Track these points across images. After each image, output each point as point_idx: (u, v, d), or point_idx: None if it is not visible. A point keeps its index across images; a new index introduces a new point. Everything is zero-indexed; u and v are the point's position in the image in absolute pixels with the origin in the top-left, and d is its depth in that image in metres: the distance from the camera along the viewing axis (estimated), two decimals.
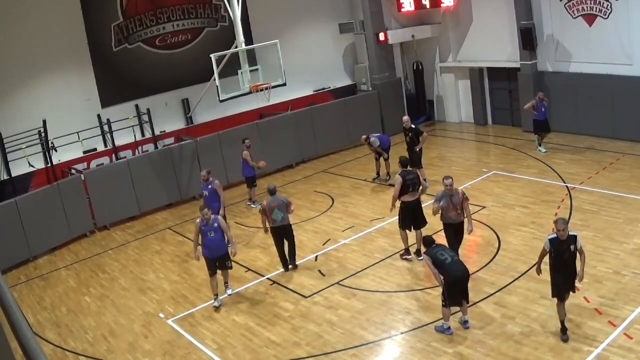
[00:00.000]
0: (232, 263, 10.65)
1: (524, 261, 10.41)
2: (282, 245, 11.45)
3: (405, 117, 15.08)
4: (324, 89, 20.87)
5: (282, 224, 11.20)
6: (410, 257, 11.20)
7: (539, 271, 8.37)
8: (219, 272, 10.43)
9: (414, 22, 20.61)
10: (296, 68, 18.84)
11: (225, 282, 10.73)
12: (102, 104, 16.76)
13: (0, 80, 15.08)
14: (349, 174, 17.09)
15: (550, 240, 7.81)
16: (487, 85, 19.87)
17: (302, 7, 20.07)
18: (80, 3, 16.13)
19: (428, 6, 19.49)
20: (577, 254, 7.89)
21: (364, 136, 15.90)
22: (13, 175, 15.20)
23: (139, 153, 17.01)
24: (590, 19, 16.23)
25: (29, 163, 15.15)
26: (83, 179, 15.00)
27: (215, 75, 15.19)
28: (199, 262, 10.76)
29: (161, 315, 10.54)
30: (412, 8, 19.71)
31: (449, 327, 8.63)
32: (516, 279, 9.88)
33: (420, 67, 21.03)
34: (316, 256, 12.00)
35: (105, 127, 16.73)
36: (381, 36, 19.94)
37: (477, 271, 10.32)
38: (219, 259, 10.24)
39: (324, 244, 12.53)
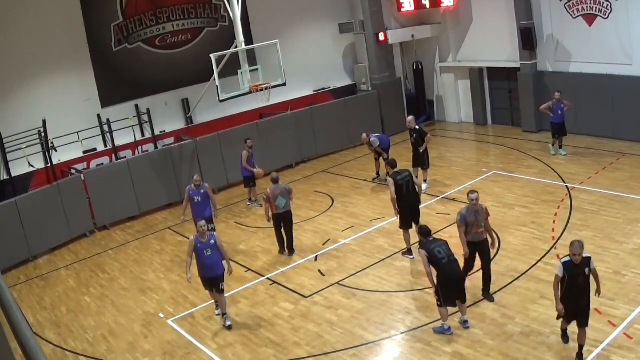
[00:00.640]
0: (232, 263, 10.63)
1: (524, 261, 10.41)
2: (281, 229, 12.14)
3: (410, 117, 14.99)
4: (324, 89, 20.87)
5: (285, 210, 11.87)
6: (412, 257, 11.20)
7: (560, 308, 7.40)
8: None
9: (414, 22, 20.61)
10: (296, 68, 18.85)
11: (224, 313, 9.77)
12: (102, 104, 16.76)
13: (0, 80, 15.08)
14: (349, 174, 17.09)
15: (564, 264, 7.28)
16: (487, 85, 19.87)
17: (302, 7, 20.07)
18: (80, 3, 16.13)
19: (428, 6, 19.50)
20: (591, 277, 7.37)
21: (364, 134, 15.87)
22: (13, 175, 15.20)
23: (139, 153, 17.02)
24: (590, 19, 16.23)
25: (29, 163, 15.16)
26: (83, 179, 15.00)
27: (215, 75, 15.19)
28: (190, 283, 9.90)
29: (161, 315, 10.54)
30: (412, 8, 19.71)
31: (449, 328, 8.59)
32: (516, 279, 9.88)
33: (420, 67, 21.03)
34: (316, 256, 12.00)
35: (105, 127, 16.73)
36: (381, 36, 19.94)
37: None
38: (213, 279, 9.48)
39: (324, 244, 12.53)
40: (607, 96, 15.89)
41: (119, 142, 16.90)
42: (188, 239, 13.12)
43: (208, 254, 9.31)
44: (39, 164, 15.58)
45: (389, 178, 11.13)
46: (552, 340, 8.05)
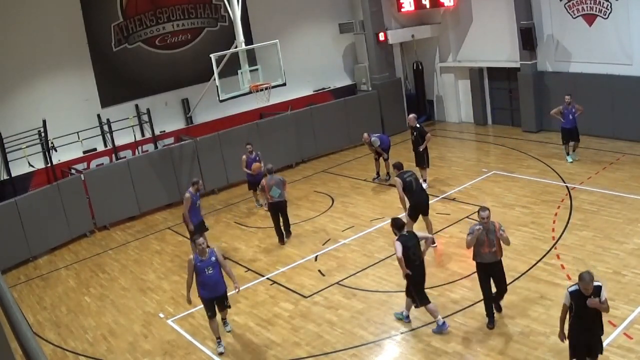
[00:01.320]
0: (232, 263, 10.65)
1: (524, 261, 10.41)
2: (279, 219, 12.75)
3: (411, 116, 15.03)
4: (324, 89, 20.87)
5: (279, 200, 12.57)
6: None
7: (562, 337, 7.00)
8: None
9: (413, 22, 20.61)
10: (296, 68, 18.86)
11: (224, 319, 9.52)
12: (102, 104, 16.76)
13: (1, 80, 15.08)
14: (349, 174, 17.09)
15: (571, 293, 6.58)
16: (487, 85, 19.87)
17: (302, 7, 20.07)
18: (80, 3, 16.13)
19: (428, 6, 19.50)
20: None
21: (365, 134, 15.87)
22: (13, 175, 15.20)
23: (139, 153, 17.02)
24: (590, 19, 16.23)
25: (29, 163, 15.17)
26: (83, 179, 15.01)
27: (215, 75, 15.19)
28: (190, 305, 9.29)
29: (161, 315, 10.54)
30: (412, 8, 19.72)
31: (444, 322, 8.71)
32: (516, 279, 9.87)
33: (420, 67, 21.03)
34: (316, 256, 12.00)
35: (105, 127, 16.74)
36: (381, 36, 19.94)
37: (473, 273, 10.30)
38: (218, 299, 8.94)
39: (324, 244, 12.53)
40: (607, 96, 15.88)
41: (119, 142, 16.91)
42: (188, 239, 13.18)
43: (209, 272, 8.66)
44: (39, 164, 15.58)
45: (396, 178, 11.26)
46: (552, 341, 8.04)
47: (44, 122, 14.83)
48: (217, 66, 15.15)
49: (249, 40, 17.26)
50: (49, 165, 15.41)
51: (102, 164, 16.38)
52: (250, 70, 15.94)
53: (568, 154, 15.27)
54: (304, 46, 19.99)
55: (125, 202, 15.51)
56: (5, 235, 13.20)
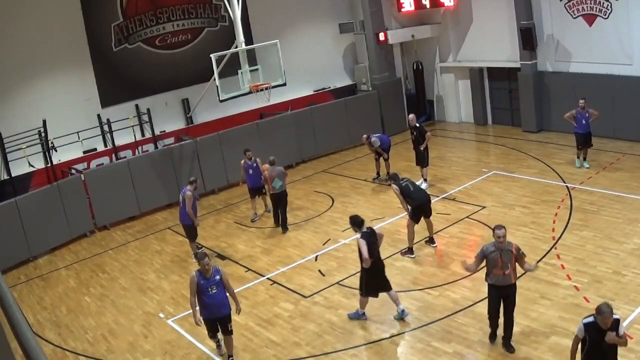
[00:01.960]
0: (231, 263, 10.63)
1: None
2: (278, 209, 13.49)
3: (411, 115, 15.07)
4: (324, 89, 20.87)
5: (280, 190, 13.24)
6: (413, 256, 11.23)
7: None
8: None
9: (414, 22, 20.61)
10: (296, 68, 18.86)
11: (230, 357, 8.70)
12: (102, 103, 16.76)
13: (1, 80, 15.07)
14: (349, 174, 17.09)
15: (586, 325, 6.12)
16: (487, 85, 19.88)
17: (302, 7, 20.07)
18: (80, 3, 16.12)
19: (428, 6, 19.50)
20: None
21: (364, 135, 15.90)
22: (13, 175, 15.19)
23: (139, 153, 17.02)
24: (590, 19, 16.23)
25: (29, 163, 15.16)
26: (83, 179, 15.01)
27: (215, 75, 15.19)
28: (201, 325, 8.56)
29: (161, 315, 10.54)
30: (412, 8, 19.72)
31: (364, 313, 9.27)
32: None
33: (420, 67, 21.04)
34: (316, 256, 12.00)
35: (105, 127, 16.73)
36: (381, 36, 19.94)
37: (477, 271, 10.30)
38: (220, 320, 8.41)
39: (324, 244, 12.53)
40: (607, 96, 15.88)
41: (119, 142, 16.90)
42: (188, 239, 13.17)
43: (213, 292, 8.13)
44: (39, 164, 15.58)
45: (393, 186, 11.34)
46: (552, 340, 8.05)
47: (44, 122, 14.83)
48: (217, 66, 15.16)
49: (249, 40, 17.26)
50: (49, 165, 15.40)
51: (102, 164, 16.38)
52: (251, 70, 15.94)
53: (578, 158, 14.76)
54: (304, 46, 19.99)
55: (126, 202, 15.51)
56: (5, 235, 13.20)
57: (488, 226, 12.15)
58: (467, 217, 12.76)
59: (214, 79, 15.29)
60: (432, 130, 19.15)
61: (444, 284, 10.10)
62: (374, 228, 9.25)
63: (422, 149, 14.58)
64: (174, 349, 9.37)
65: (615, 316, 5.97)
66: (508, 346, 7.97)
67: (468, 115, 20.69)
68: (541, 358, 7.74)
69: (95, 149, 16.70)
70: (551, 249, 10.75)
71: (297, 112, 18.73)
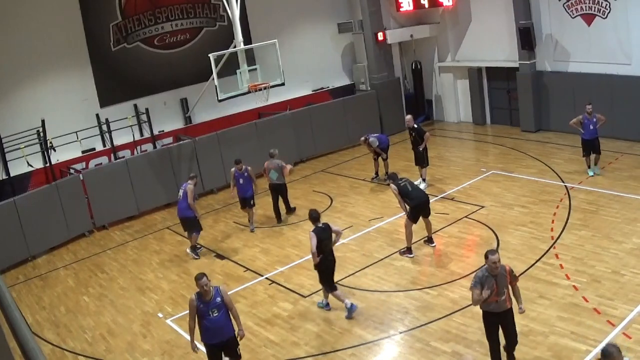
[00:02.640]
0: (232, 263, 10.61)
1: (522, 261, 10.41)
2: (277, 200, 13.95)
3: (408, 117, 15.06)
4: (322, 88, 20.86)
5: (276, 182, 13.77)
6: (411, 255, 11.23)
7: None
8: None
9: (412, 21, 20.62)
10: (295, 68, 18.85)
11: None
12: (100, 103, 16.74)
13: None
14: (347, 174, 17.09)
15: None
16: (485, 85, 19.89)
17: (300, 7, 20.06)
18: (78, 3, 16.10)
19: (427, 6, 19.51)
20: None
21: (362, 137, 15.91)
22: (12, 175, 15.19)
23: (137, 153, 17.01)
24: (589, 18, 16.24)
25: (28, 163, 15.15)
26: (82, 178, 14.99)
27: (214, 75, 15.19)
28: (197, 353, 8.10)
29: (160, 315, 10.53)
30: (411, 8, 19.73)
31: (328, 304, 9.77)
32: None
33: (419, 67, 21.05)
34: None
35: (104, 127, 16.72)
36: (380, 36, 19.94)
37: (476, 271, 10.30)
38: (225, 344, 7.64)
39: None
40: (606, 96, 15.87)
41: (117, 141, 16.89)
42: (187, 238, 13.17)
43: (214, 315, 7.39)
44: (38, 163, 15.56)
45: (391, 185, 11.34)
46: (551, 340, 8.06)
47: (43, 121, 14.82)
48: (216, 66, 15.15)
49: (247, 39, 17.25)
50: (48, 165, 15.40)
51: (101, 163, 16.37)
52: (249, 70, 15.92)
53: (589, 167, 14.06)
54: (302, 46, 19.99)
55: (124, 202, 15.50)
56: (4, 235, 13.18)
57: (487, 226, 12.18)
58: (465, 216, 12.77)
59: (213, 79, 15.29)
60: (430, 130, 19.17)
61: (443, 284, 10.11)
62: (331, 224, 9.50)
63: (421, 149, 14.58)
64: (173, 348, 9.36)
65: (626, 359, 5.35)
66: (510, 356, 7.56)
67: (467, 115, 20.70)
68: (540, 358, 7.74)
69: (93, 149, 16.69)
70: (550, 248, 10.75)
71: (296, 111, 18.73)
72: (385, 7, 20.12)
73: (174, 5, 17.67)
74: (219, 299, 7.42)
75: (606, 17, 15.80)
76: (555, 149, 16.46)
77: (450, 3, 19.29)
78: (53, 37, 15.74)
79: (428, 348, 8.38)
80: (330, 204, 14.87)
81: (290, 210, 14.36)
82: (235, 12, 15.53)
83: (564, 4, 16.69)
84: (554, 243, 10.93)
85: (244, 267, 11.99)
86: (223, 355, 7.77)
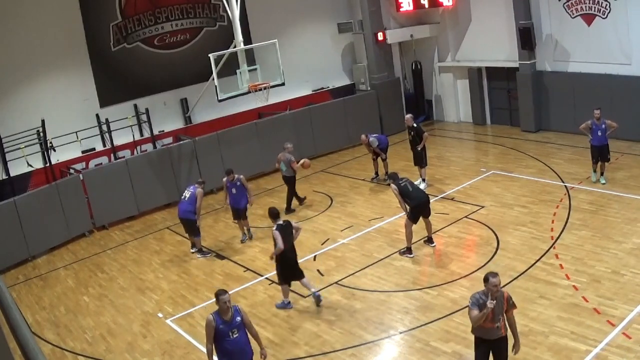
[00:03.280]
0: (231, 263, 10.61)
1: (522, 261, 10.42)
2: (292, 193, 14.66)
3: (408, 116, 15.13)
4: (322, 88, 20.86)
5: (285, 175, 14.54)
6: (411, 255, 11.24)
7: None
8: None
9: (412, 21, 20.62)
10: (295, 68, 18.84)
11: None
12: (100, 103, 16.74)
13: None
14: (347, 174, 17.09)
15: None
16: (485, 85, 19.88)
17: (300, 7, 20.06)
18: (78, 3, 16.10)
19: (427, 6, 19.51)
20: None
21: (363, 135, 15.91)
22: (12, 175, 15.18)
23: (137, 153, 17.01)
24: (589, 18, 16.24)
25: (28, 163, 15.14)
26: (82, 178, 14.99)
27: (214, 75, 15.19)
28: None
29: (160, 315, 10.53)
30: (411, 8, 19.72)
31: (289, 302, 10.00)
32: (515, 278, 9.88)
33: (419, 67, 21.05)
34: (315, 256, 12.00)
35: (104, 127, 16.72)
36: (380, 36, 19.94)
37: (476, 271, 10.32)
38: None
39: (322, 244, 12.53)
40: (605, 96, 15.86)
41: (117, 141, 16.89)
42: (186, 238, 13.16)
43: (234, 336, 6.78)
44: (38, 163, 15.56)
45: (392, 185, 11.35)
46: (551, 340, 8.06)
47: (43, 122, 14.82)
48: (216, 66, 15.15)
49: (247, 39, 17.25)
50: (48, 165, 15.40)
51: (101, 163, 16.37)
52: (249, 70, 15.92)
53: (594, 172, 13.59)
54: (302, 46, 19.99)
55: (124, 202, 15.50)
56: (4, 235, 13.18)
57: (487, 226, 12.18)
58: (465, 216, 12.77)
59: (213, 79, 15.29)
60: (430, 130, 19.19)
61: (443, 284, 10.11)
62: (292, 222, 10.00)
63: (419, 149, 14.60)
64: (173, 348, 9.36)
65: None
66: None
67: (467, 115, 20.70)
68: (540, 358, 7.74)
69: (93, 149, 16.69)
70: (550, 248, 10.75)
71: (296, 111, 18.73)
72: (385, 7, 20.12)
73: (174, 5, 17.67)
74: (238, 318, 6.86)
75: (606, 17, 15.80)
76: (555, 149, 16.46)
77: (450, 3, 19.29)
78: (53, 37, 15.73)
79: (428, 348, 8.38)
80: (330, 204, 14.87)
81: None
82: (235, 12, 15.54)
83: (564, 4, 16.69)
84: (554, 243, 10.93)
85: (243, 267, 11.99)
86: None
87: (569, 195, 13.12)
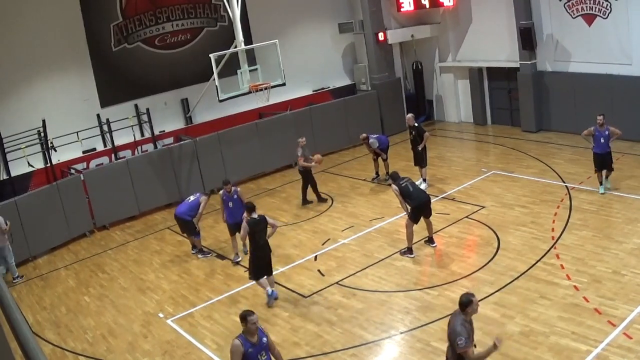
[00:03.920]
0: (227, 259, 10.57)
1: (523, 261, 10.41)
2: (305, 185, 15.00)
3: (409, 115, 15.13)
4: (323, 88, 20.86)
5: (299, 169, 15.00)
6: (412, 255, 11.23)
7: None
8: None
9: (413, 22, 20.62)
10: (295, 68, 18.84)
11: None
12: (101, 103, 16.74)
13: (0, 80, 15.06)
14: (348, 174, 17.09)
15: None
16: (486, 85, 19.88)
17: (301, 7, 20.06)
18: (79, 3, 16.10)
19: (427, 6, 19.51)
20: None
21: (363, 135, 15.91)
22: (13, 175, 15.18)
23: (138, 153, 17.01)
24: (589, 18, 16.24)
25: (29, 163, 15.15)
26: (82, 178, 15.00)
27: (215, 75, 15.18)
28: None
29: (160, 315, 10.53)
30: (412, 8, 19.72)
31: (272, 290, 10.18)
32: (515, 278, 9.88)
33: (419, 67, 21.05)
34: (315, 256, 12.00)
35: (105, 127, 16.72)
36: (380, 36, 19.94)
37: (477, 271, 10.33)
38: None
39: (323, 244, 12.53)
40: (606, 96, 15.87)
41: (118, 142, 16.89)
42: (186, 238, 13.14)
43: (263, 359, 6.40)
44: (39, 164, 15.56)
45: (393, 186, 11.37)
46: (551, 340, 8.05)
47: (44, 122, 14.82)
48: (217, 66, 15.15)
49: (248, 40, 17.25)
50: (49, 165, 15.39)
51: (102, 163, 16.36)
52: (250, 70, 15.91)
53: (601, 184, 12.93)
54: (303, 46, 19.98)
55: (125, 202, 15.50)
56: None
57: (487, 226, 12.18)
58: (466, 217, 12.77)
59: (214, 79, 15.28)
60: (431, 130, 19.19)
61: (444, 284, 10.11)
62: (268, 218, 10.11)
63: (420, 149, 14.59)
64: (174, 348, 9.37)
65: None
66: None
67: (467, 115, 20.70)
68: (540, 358, 7.74)
69: (94, 149, 16.69)
70: (550, 248, 10.75)
71: (297, 112, 18.73)
72: (386, 7, 20.12)
73: (175, 5, 17.66)
74: (265, 339, 6.49)
75: (607, 18, 15.80)
76: (555, 149, 16.45)
77: (451, 3, 19.28)
78: (54, 38, 15.73)
79: (429, 348, 8.38)
80: (331, 204, 14.87)
81: (304, 202, 15.03)
82: (236, 12, 15.53)
83: (565, 4, 16.68)
84: (555, 243, 10.93)
85: (244, 267, 11.98)
86: None
87: (569, 196, 13.11)
